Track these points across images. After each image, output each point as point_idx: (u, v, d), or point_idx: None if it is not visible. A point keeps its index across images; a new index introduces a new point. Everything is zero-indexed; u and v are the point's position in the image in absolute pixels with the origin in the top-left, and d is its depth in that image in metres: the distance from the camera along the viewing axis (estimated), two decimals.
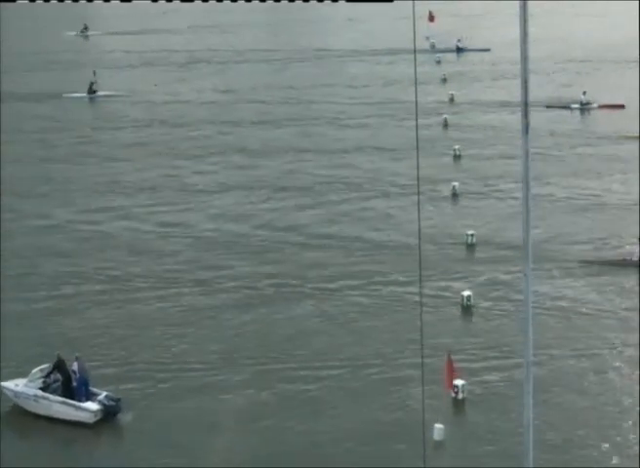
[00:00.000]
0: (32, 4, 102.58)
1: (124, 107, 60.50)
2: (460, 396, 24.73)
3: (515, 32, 9.14)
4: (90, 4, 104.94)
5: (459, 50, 77.16)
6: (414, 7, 13.82)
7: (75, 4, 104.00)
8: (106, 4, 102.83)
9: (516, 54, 9.21)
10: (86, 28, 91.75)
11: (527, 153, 9.45)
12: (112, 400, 24.31)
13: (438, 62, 71.37)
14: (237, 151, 49.88)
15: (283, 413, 24.66)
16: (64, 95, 62.56)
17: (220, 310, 30.80)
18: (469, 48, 77.10)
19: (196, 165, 47.65)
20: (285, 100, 61.32)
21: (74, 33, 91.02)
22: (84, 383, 24.69)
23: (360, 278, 33.00)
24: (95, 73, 63.45)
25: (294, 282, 32.83)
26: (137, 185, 44.40)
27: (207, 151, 50.07)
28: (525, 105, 9.33)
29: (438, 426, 22.68)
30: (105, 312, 30.79)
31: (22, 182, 44.69)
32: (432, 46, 75.64)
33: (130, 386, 25.87)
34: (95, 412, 24.13)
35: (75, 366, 24.84)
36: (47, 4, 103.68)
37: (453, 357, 24.15)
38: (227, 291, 32.29)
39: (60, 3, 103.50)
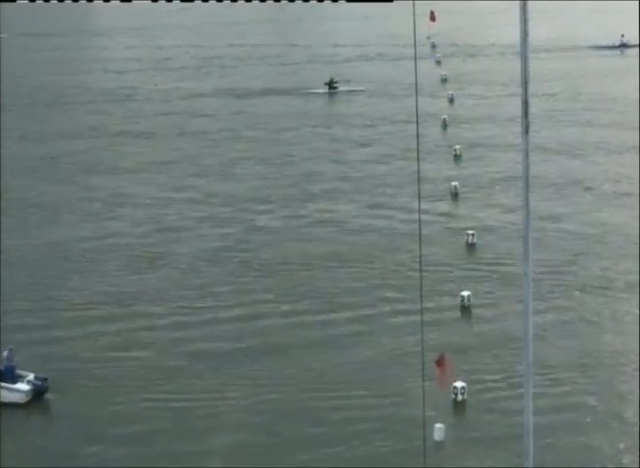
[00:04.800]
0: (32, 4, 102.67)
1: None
2: (460, 397, 24.69)
3: None
4: (90, 4, 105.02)
5: (623, 46, 77.93)
6: (414, 7, 13.83)
7: (75, 4, 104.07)
8: (107, 4, 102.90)
9: None
10: None
11: (527, 153, 9.44)
12: (40, 380, 25.87)
13: (438, 63, 71.50)
14: None
15: (282, 413, 24.67)
16: (307, 90, 65.05)
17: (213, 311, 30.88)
18: (631, 43, 77.25)
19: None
20: None
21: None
22: (11, 370, 26.15)
23: (358, 277, 33.02)
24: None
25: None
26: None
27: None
28: (525, 105, 9.30)
29: (438, 426, 22.66)
30: None
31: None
32: (433, 45, 75.70)
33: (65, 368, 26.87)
34: (26, 393, 25.74)
35: (5, 354, 26.25)
36: (47, 4, 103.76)
37: (451, 358, 23.97)
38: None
39: (61, 3, 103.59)
